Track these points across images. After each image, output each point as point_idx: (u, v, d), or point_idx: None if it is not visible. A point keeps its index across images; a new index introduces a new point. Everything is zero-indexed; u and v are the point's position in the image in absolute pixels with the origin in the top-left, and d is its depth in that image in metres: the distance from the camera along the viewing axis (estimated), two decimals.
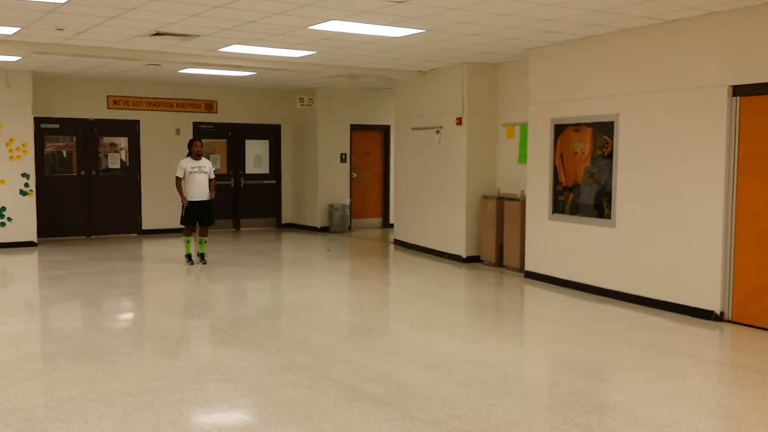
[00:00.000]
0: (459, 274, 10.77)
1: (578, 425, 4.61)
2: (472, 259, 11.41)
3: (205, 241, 11.19)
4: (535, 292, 9.37)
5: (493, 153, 11.50)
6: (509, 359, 6.36)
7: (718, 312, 7.44)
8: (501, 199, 10.97)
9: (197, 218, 10.95)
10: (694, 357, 6.39)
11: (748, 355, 6.54)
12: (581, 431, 4.52)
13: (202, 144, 11.10)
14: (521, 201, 10.45)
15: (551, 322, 7.84)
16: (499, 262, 10.98)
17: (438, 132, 11.97)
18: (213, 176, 11.10)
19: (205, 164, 10.98)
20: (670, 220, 7.90)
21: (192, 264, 11.02)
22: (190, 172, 10.80)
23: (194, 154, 10.90)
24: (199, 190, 10.84)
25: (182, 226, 11.24)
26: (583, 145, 9.09)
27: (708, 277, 7.51)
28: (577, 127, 9.17)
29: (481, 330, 7.54)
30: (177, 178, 10.87)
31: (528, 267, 10.04)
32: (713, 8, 7.19)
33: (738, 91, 7.24)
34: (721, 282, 7.41)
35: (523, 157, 10.58)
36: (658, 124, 8.05)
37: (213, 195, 11.02)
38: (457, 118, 11.44)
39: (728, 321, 7.40)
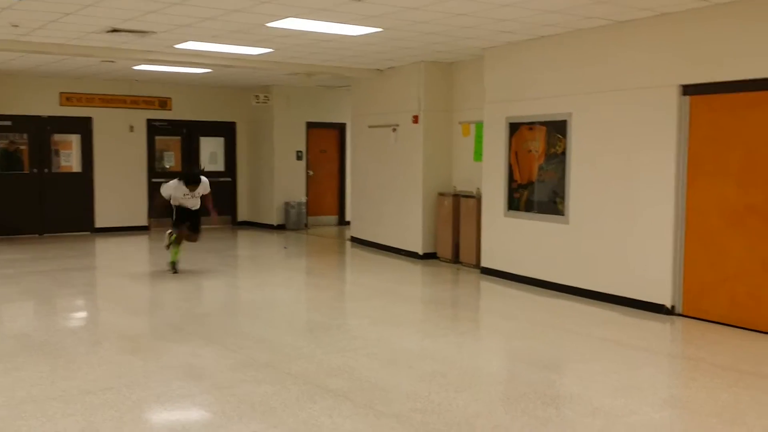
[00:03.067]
0: (416, 270, 10.86)
1: (537, 417, 4.72)
2: (429, 256, 11.51)
3: (179, 250, 10.16)
4: (492, 288, 9.51)
5: (449, 151, 11.62)
6: (468, 354, 6.46)
7: (669, 306, 7.65)
8: (457, 197, 11.10)
9: (187, 220, 9.97)
10: (648, 350, 6.57)
11: (699, 347, 6.75)
12: (540, 423, 4.63)
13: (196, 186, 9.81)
14: (477, 198, 10.58)
15: (508, 317, 7.97)
16: (456, 259, 11.11)
17: (395, 130, 12.05)
18: (208, 190, 10.00)
19: (201, 189, 9.83)
20: (622, 217, 8.09)
21: (175, 272, 10.07)
22: (183, 196, 9.79)
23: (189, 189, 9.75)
24: (189, 206, 9.92)
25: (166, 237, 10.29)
26: (537, 144, 9.24)
27: (659, 272, 7.71)
28: (531, 125, 9.33)
29: (440, 326, 7.64)
30: (159, 193, 9.96)
31: (484, 263, 10.18)
32: (664, 9, 7.38)
33: (688, 90, 7.45)
34: (671, 277, 7.63)
35: (478, 155, 10.72)
36: (610, 122, 8.24)
37: (214, 214, 10.22)
38: (414, 117, 11.53)
39: (679, 315, 7.61)
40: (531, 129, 9.33)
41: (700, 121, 7.39)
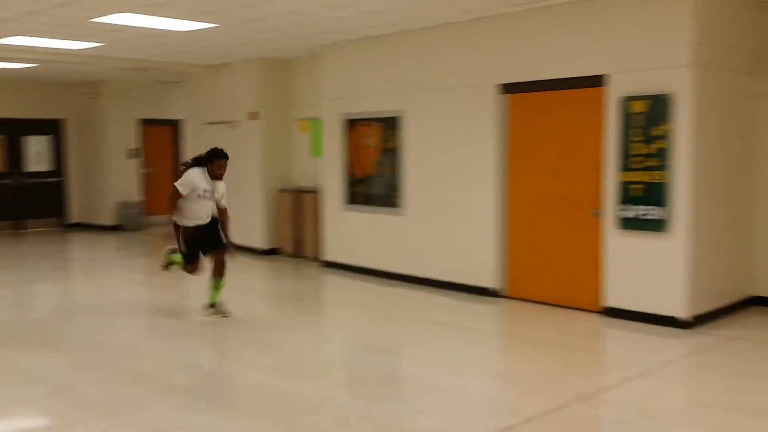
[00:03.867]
0: (258, 266, 10.95)
1: (377, 397, 5.03)
2: (272, 252, 11.64)
3: (221, 285, 7.52)
4: (333, 280, 9.79)
5: (288, 147, 11.78)
6: (312, 343, 6.69)
7: (495, 289, 8.24)
8: (297, 192, 11.29)
9: (201, 244, 7.53)
10: (477, 330, 7.08)
11: (522, 325, 7.34)
12: (379, 402, 4.93)
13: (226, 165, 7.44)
14: (317, 193, 10.82)
15: (349, 307, 8.28)
16: (298, 254, 11.30)
17: (233, 126, 12.04)
18: (225, 203, 7.54)
19: (220, 188, 7.43)
20: (452, 208, 8.61)
21: (223, 314, 7.46)
22: (200, 196, 7.31)
23: (216, 175, 7.35)
24: (202, 215, 7.45)
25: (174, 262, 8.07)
26: (373, 139, 9.61)
27: (485, 259, 8.28)
28: (366, 122, 9.68)
29: (283, 318, 7.81)
30: (176, 191, 7.33)
31: (326, 257, 10.44)
32: (483, 13, 7.91)
33: (505, 89, 8.03)
34: (496, 262, 8.21)
35: (316, 151, 10.96)
36: (438, 119, 8.73)
37: (232, 250, 7.60)
38: (252, 113, 11.59)
39: (504, 296, 8.21)
40: (367, 125, 9.68)
41: (517, 118, 8.00)
